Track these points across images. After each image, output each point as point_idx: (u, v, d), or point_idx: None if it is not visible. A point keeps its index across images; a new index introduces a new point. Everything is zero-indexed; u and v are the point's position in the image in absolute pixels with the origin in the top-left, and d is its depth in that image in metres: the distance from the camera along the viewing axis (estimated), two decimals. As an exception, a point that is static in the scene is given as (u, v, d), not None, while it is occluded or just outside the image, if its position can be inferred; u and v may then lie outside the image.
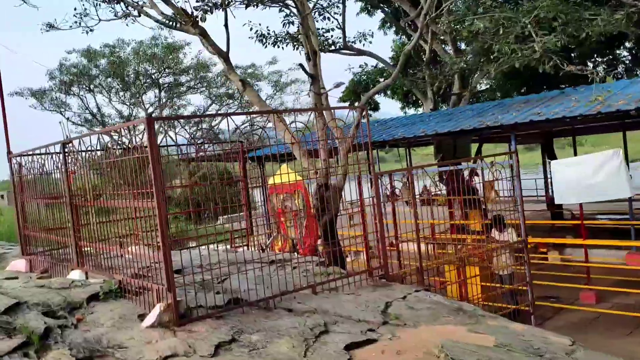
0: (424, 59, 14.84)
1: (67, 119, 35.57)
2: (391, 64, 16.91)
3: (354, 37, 15.56)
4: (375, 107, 22.06)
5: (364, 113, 5.86)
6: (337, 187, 8.28)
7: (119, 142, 5.29)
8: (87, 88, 33.76)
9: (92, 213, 6.02)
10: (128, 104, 35.69)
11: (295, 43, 13.26)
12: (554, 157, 13.78)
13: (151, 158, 4.49)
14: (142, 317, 4.81)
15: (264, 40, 13.27)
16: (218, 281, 5.81)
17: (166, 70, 33.81)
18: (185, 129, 28.06)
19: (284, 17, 12.89)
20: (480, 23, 10.10)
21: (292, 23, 12.86)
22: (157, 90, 34.66)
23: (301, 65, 9.30)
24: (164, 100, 34.98)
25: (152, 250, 5.73)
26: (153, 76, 33.62)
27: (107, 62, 32.41)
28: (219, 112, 35.74)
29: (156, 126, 5.49)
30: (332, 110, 8.44)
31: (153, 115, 34.03)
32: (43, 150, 7.27)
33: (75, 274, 6.17)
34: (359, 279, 5.71)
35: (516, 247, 7.55)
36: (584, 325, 7.88)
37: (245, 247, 9.18)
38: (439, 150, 13.89)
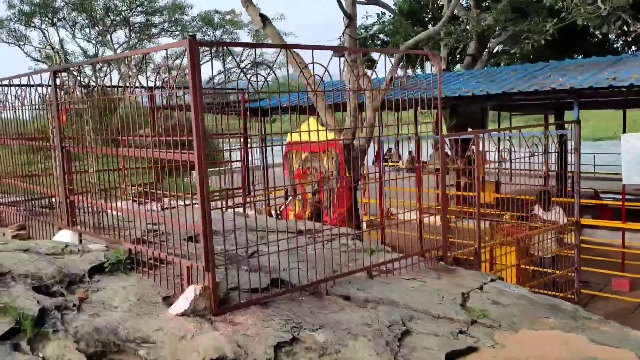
0: (438, 13, 13.68)
1: (26, 53, 32.91)
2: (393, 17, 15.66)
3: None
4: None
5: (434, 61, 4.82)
6: (360, 149, 7.28)
7: (135, 73, 4.08)
8: (50, 21, 31.02)
9: (93, 160, 4.84)
10: (94, 41, 33.16)
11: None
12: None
13: (193, 97, 3.35)
14: (166, 300, 3.77)
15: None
16: (247, 255, 4.78)
17: (138, 8, 31.38)
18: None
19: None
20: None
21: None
22: (127, 30, 32.23)
23: (339, 2, 8.05)
24: (134, 41, 32.62)
25: (169, 209, 4.66)
26: (123, 13, 31.14)
27: (73, -7, 29.75)
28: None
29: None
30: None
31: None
32: (20, 82, 5.93)
33: (66, 235, 5.01)
34: (416, 261, 4.81)
35: (567, 228, 6.82)
36: (625, 317, 7.32)
37: (242, 209, 8.13)
38: (453, 116, 12.91)
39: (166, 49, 3.64)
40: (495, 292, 4.29)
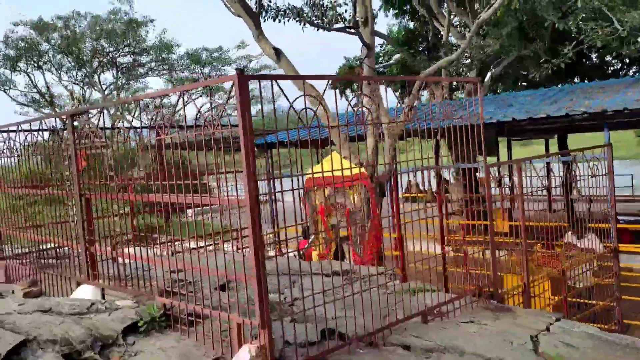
0: (432, 40, 13.66)
1: (12, 98, 32.49)
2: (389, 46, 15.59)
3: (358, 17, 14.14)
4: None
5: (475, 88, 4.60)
6: (379, 181, 7.02)
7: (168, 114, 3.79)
8: (36, 64, 30.72)
9: (116, 209, 4.49)
10: (81, 84, 32.86)
11: (298, 18, 11.79)
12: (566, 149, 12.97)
13: (243, 135, 3.06)
14: (216, 362, 3.39)
15: (263, 12, 11.69)
16: (288, 302, 4.41)
17: (125, 48, 31.29)
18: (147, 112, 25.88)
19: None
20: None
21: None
22: (114, 71, 32.05)
23: (357, 32, 7.91)
24: (122, 81, 32.44)
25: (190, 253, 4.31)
26: (110, 54, 31.02)
27: (59, 37, 29.58)
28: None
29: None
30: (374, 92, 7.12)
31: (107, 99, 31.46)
32: (30, 127, 5.60)
33: (87, 291, 4.61)
34: (469, 301, 4.48)
35: (604, 256, 6.55)
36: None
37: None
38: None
39: (208, 86, 3.37)
40: (563, 333, 3.97)
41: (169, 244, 4.34)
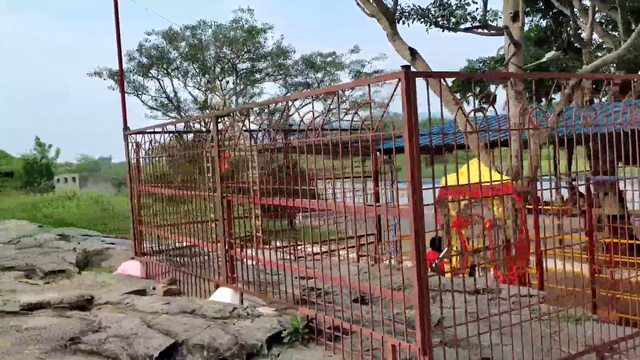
0: (567, 39, 12.53)
1: (143, 102, 35.21)
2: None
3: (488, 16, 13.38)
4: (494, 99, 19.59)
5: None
6: (526, 192, 6.37)
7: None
8: (165, 71, 33.07)
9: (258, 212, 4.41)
10: (203, 89, 34.85)
11: (423, 19, 11.35)
12: None
13: (409, 137, 2.76)
14: (368, 386, 3.13)
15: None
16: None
17: (245, 55, 32.65)
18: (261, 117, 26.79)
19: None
20: None
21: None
22: (233, 77, 33.58)
23: (506, 29, 7.42)
24: (241, 87, 33.89)
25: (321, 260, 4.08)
26: (231, 61, 32.54)
27: (186, 45, 31.59)
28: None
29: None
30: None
31: (225, 107, 33.02)
32: (175, 128, 5.76)
33: (225, 294, 4.58)
34: None
35: None
36: None
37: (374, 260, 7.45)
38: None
39: (367, 85, 3.11)
40: None
41: (300, 249, 4.18)
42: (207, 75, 33.29)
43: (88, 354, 3.37)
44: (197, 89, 35.05)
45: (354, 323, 3.46)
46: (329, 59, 33.66)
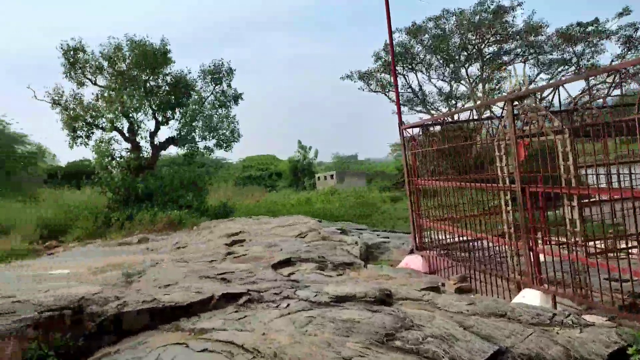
0: None
1: (390, 99, 36.40)
2: None
3: None
4: None
5: None
6: None
7: None
8: (410, 66, 33.60)
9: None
10: (447, 80, 34.35)
11: None
12: None
13: None
14: None
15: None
16: None
17: (491, 38, 31.03)
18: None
19: None
20: None
21: None
22: (479, 62, 32.23)
23: None
24: (487, 72, 32.35)
25: None
26: (477, 47, 31.29)
27: (429, 37, 31.52)
28: (550, 81, 31.26)
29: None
30: None
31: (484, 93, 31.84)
32: (458, 118, 5.51)
33: (533, 296, 4.11)
34: None
35: None
36: None
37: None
38: None
39: None
40: None
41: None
42: (451, 65, 32.69)
43: (406, 352, 3.31)
44: (442, 80, 34.74)
45: None
46: (590, 28, 29.65)
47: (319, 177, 49.00)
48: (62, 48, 19.11)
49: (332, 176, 48.59)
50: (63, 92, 19.41)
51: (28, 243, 13.43)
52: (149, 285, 5.57)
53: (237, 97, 21.54)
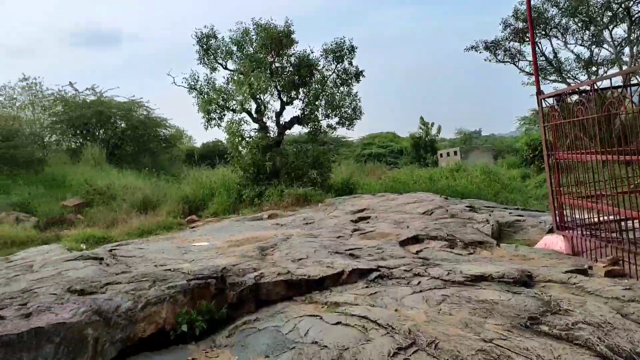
0: None
1: (519, 69, 34.06)
2: None
3: None
4: None
5: None
6: None
7: None
8: (543, 32, 31.05)
9: None
10: (587, 44, 31.23)
11: None
12: None
13: None
14: None
15: None
16: None
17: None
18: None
19: None
20: None
21: None
22: (626, 22, 28.82)
23: None
24: (636, 33, 28.84)
25: None
26: (623, 4, 27.97)
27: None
28: None
29: None
30: None
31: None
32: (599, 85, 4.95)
33: None
34: None
35: None
36: None
37: None
38: None
39: None
40: None
41: None
42: (591, 28, 29.62)
43: (554, 337, 3.07)
44: (580, 45, 31.68)
45: None
46: None
47: (441, 154, 47.70)
48: (196, 36, 20.47)
49: (455, 152, 47.03)
50: (198, 77, 20.83)
51: (172, 217, 14.72)
52: (282, 258, 5.80)
53: (358, 75, 21.50)
